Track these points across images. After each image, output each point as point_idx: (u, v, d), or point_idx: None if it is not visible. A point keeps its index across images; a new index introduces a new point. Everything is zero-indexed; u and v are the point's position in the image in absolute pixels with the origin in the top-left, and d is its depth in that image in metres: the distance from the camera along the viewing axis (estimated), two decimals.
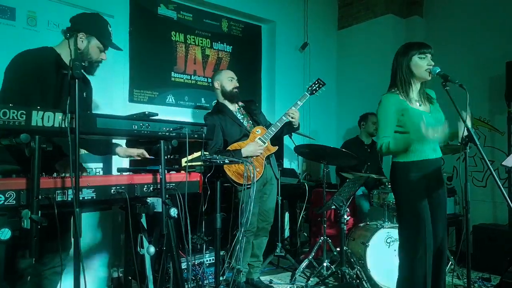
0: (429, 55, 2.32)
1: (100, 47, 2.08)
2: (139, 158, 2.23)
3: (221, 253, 3.15)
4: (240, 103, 3.33)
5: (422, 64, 2.30)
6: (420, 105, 2.38)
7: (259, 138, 3.11)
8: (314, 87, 3.25)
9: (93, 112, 2.37)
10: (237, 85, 3.26)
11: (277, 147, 3.18)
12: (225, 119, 3.14)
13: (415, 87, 2.38)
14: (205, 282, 3.03)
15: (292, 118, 3.09)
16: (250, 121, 3.26)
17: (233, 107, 3.26)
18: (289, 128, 3.20)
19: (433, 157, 2.37)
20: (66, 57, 2.01)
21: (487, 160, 2.04)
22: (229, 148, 3.05)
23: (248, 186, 2.64)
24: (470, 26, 4.53)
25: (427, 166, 2.33)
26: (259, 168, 3.06)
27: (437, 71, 2.25)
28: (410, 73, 2.33)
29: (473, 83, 4.21)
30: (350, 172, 3.68)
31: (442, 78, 2.22)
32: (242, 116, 3.25)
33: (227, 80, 3.22)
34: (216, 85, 3.24)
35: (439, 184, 2.41)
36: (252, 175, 2.70)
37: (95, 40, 2.06)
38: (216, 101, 3.34)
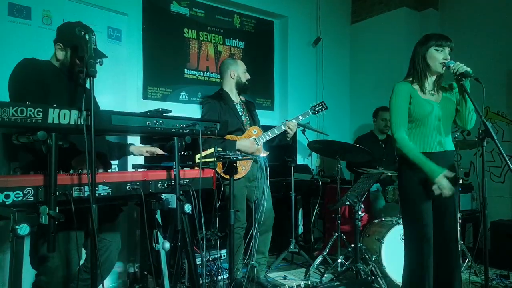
0: (447, 48, 2.28)
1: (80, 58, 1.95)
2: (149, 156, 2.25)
3: (223, 252, 3.17)
4: (242, 98, 3.32)
5: (437, 56, 2.27)
6: (432, 95, 2.34)
7: (254, 138, 3.11)
8: (317, 108, 3.37)
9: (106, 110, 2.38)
10: (249, 77, 3.29)
11: (268, 152, 3.16)
12: (225, 108, 3.11)
13: (430, 79, 2.34)
14: (219, 277, 3.05)
15: (289, 129, 3.13)
16: (248, 118, 3.24)
17: (235, 99, 3.23)
18: (281, 139, 3.21)
19: (439, 150, 2.30)
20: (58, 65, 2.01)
21: (505, 155, 2.00)
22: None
23: (236, 180, 2.82)
24: (487, 19, 4.43)
25: (433, 160, 2.29)
26: (245, 167, 3.06)
27: (452, 65, 2.22)
28: (425, 65, 2.31)
29: (490, 77, 4.11)
30: (363, 169, 3.65)
31: None
32: (242, 110, 3.23)
33: (243, 72, 3.23)
34: (232, 74, 3.21)
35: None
36: (243, 168, 3.01)
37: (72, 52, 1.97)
38: (220, 87, 3.28)
